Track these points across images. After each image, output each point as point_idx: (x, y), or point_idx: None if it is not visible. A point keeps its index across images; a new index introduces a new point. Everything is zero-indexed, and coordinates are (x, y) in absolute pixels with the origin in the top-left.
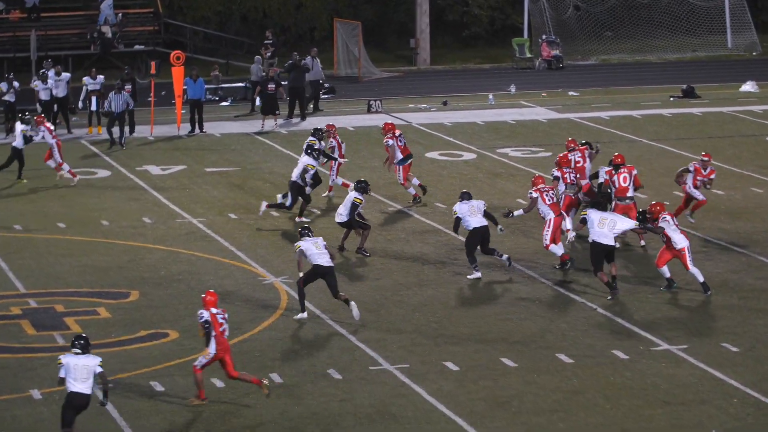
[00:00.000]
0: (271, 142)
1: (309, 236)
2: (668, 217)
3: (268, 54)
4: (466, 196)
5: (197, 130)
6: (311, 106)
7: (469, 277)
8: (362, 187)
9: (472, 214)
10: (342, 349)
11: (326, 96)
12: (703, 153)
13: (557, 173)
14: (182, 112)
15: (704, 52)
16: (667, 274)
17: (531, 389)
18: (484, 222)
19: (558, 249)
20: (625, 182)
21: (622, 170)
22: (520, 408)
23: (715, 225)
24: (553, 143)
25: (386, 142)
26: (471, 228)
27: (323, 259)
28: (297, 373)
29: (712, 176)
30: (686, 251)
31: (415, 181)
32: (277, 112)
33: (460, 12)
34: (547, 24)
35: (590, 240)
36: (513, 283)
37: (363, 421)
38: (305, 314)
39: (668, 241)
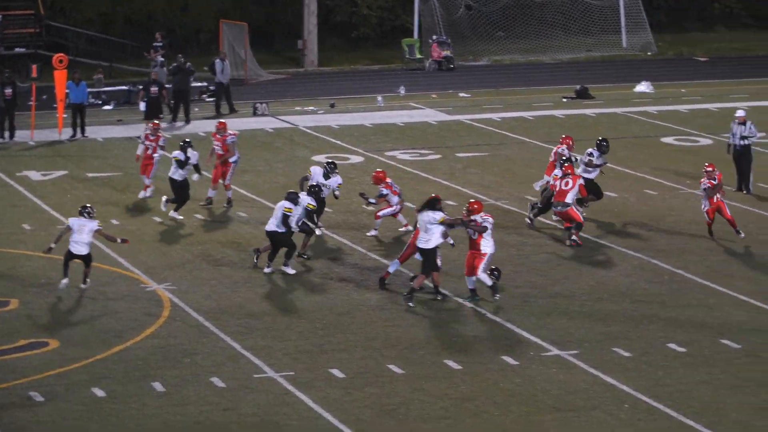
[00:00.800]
0: None
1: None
2: (491, 220)
3: (158, 57)
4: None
5: (79, 135)
6: (227, 106)
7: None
8: (315, 192)
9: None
10: (226, 356)
11: (211, 99)
12: (707, 164)
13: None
14: (64, 116)
15: (599, 52)
16: (471, 286)
17: (418, 396)
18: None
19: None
20: (566, 186)
21: (568, 178)
22: (407, 415)
23: (609, 228)
24: (443, 146)
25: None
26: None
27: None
28: (180, 381)
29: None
30: (486, 258)
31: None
32: (160, 115)
33: (349, 13)
34: (438, 24)
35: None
36: (401, 290)
37: (247, 431)
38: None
39: (475, 245)
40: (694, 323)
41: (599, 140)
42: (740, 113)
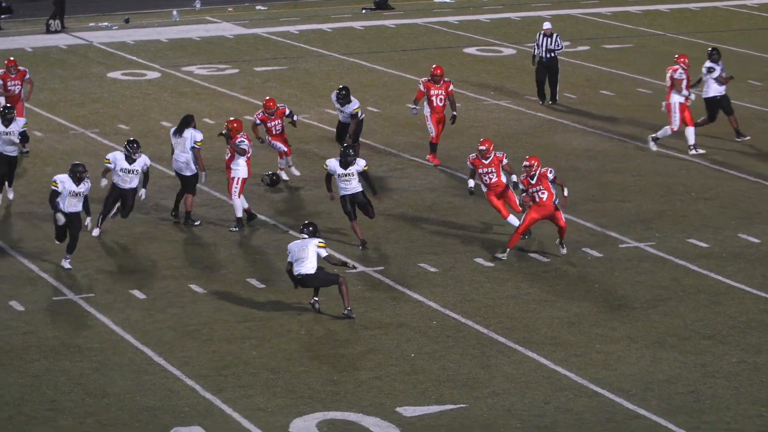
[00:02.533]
0: None
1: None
2: (246, 143)
3: None
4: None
5: None
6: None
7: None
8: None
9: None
10: (24, 279)
11: (4, 16)
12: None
13: None
14: None
15: None
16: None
17: (221, 316)
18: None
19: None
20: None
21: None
22: (210, 336)
23: (410, 141)
24: (241, 60)
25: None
26: None
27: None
28: None
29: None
30: (237, 182)
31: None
32: None
33: None
34: None
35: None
36: (207, 208)
37: (48, 355)
38: None
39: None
40: (502, 241)
41: (710, 50)
42: (547, 25)
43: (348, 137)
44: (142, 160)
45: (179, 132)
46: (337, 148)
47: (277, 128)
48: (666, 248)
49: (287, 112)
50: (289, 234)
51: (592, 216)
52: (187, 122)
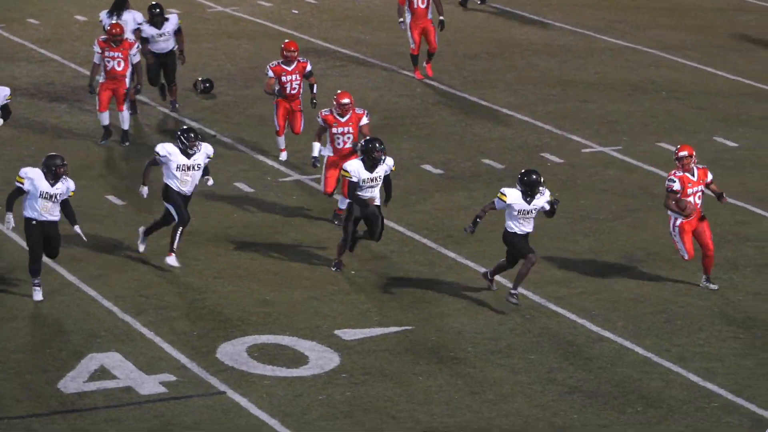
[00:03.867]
0: None
1: None
2: None
3: None
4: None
5: None
6: None
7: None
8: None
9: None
10: None
11: None
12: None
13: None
14: None
15: None
16: None
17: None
18: None
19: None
20: None
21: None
22: (129, 252)
23: (351, 36)
24: None
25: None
26: None
27: None
28: None
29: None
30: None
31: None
32: None
33: None
34: None
35: None
36: None
37: None
38: None
39: None
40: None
41: None
42: None
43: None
44: (204, 151)
45: (116, 13)
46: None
47: (294, 87)
48: (634, 153)
49: (308, 68)
50: (216, 138)
51: (551, 117)
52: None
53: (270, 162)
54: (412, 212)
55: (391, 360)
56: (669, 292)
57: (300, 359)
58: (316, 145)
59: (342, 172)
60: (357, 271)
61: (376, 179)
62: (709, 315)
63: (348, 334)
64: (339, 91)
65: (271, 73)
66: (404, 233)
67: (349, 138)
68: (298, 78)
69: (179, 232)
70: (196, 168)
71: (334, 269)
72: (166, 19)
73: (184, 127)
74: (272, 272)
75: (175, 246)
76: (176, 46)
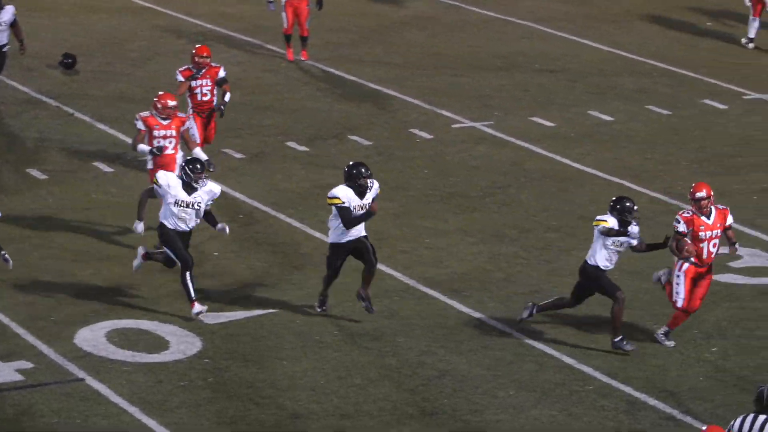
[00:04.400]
0: None
1: None
2: None
3: None
4: None
5: None
6: None
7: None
8: None
9: None
10: None
11: None
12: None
13: None
14: None
15: None
16: None
17: None
18: None
19: None
20: None
21: None
22: None
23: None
24: None
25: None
26: None
27: None
28: None
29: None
30: None
31: None
32: None
33: None
34: None
35: None
36: None
37: None
38: None
39: None
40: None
41: None
42: None
43: None
44: (210, 189)
45: None
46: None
47: (205, 93)
48: (505, 128)
49: (221, 74)
50: (74, 116)
51: (421, 92)
52: None
53: (129, 139)
54: (277, 191)
55: (254, 344)
56: (543, 271)
57: (161, 344)
58: (142, 147)
59: (330, 201)
60: (220, 253)
61: (366, 206)
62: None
63: (210, 317)
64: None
65: (180, 77)
66: (269, 212)
67: (171, 141)
68: (210, 84)
69: (188, 278)
70: (195, 206)
71: (319, 309)
72: (1, 8)
73: (189, 157)
74: (133, 255)
75: (192, 294)
76: (7, 45)
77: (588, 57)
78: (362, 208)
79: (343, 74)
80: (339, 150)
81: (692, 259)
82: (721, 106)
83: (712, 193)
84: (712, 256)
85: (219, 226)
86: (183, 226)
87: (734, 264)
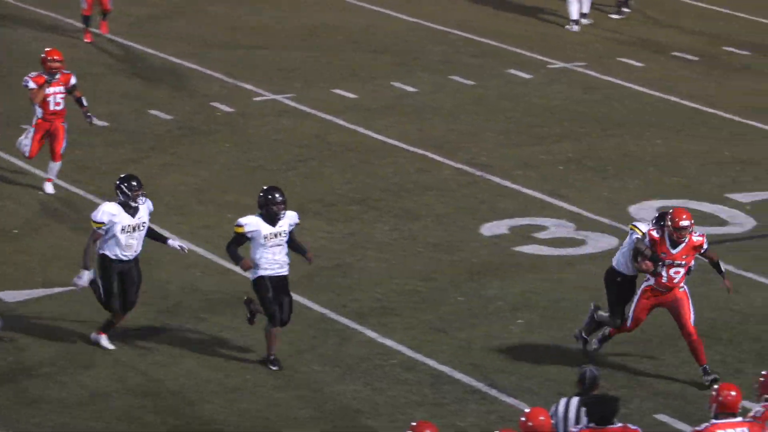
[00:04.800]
0: None
1: None
2: None
3: None
4: None
5: None
6: None
7: None
8: None
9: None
10: None
11: None
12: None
13: None
14: None
15: None
16: None
17: None
18: None
19: None
20: None
21: None
22: None
23: None
24: None
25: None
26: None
27: None
28: None
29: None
30: None
31: None
32: None
33: None
34: None
35: None
36: None
37: None
38: None
39: None
40: None
41: None
42: None
43: None
44: (147, 206)
45: None
46: None
47: (57, 102)
48: (308, 100)
49: (73, 81)
50: None
51: (221, 65)
52: None
53: None
54: (77, 169)
55: (55, 322)
56: (346, 244)
57: None
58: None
59: (235, 228)
60: (19, 229)
61: (280, 234)
62: (387, 268)
63: (10, 295)
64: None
65: (32, 84)
66: (69, 189)
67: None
68: (63, 92)
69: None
70: (141, 228)
71: (274, 368)
72: None
73: (123, 175)
74: None
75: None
76: None
77: (391, 27)
78: (275, 236)
79: (143, 47)
80: (139, 125)
81: (650, 278)
82: (526, 76)
83: (692, 221)
84: (674, 282)
85: (172, 243)
86: (127, 254)
87: (540, 235)
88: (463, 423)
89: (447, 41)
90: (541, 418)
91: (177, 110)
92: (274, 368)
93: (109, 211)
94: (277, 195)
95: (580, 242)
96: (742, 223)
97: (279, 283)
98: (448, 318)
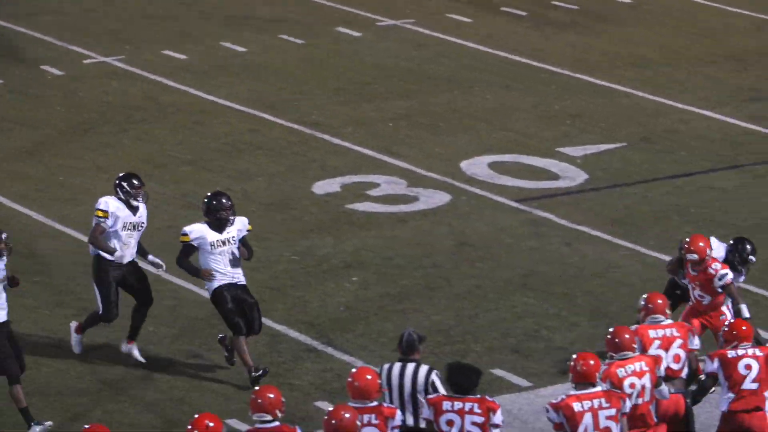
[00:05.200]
0: None
1: None
2: None
3: None
4: None
5: None
6: None
7: None
8: None
9: None
10: None
11: None
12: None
13: None
14: None
15: None
16: None
17: None
18: None
19: None
20: None
21: None
22: None
23: None
24: None
25: None
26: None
27: None
28: None
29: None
30: None
31: None
32: None
33: None
34: None
35: None
36: None
37: None
38: None
39: None
40: None
41: None
42: None
43: None
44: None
45: None
46: None
47: None
48: (138, 62)
49: None
50: None
51: (50, 27)
52: None
53: None
54: None
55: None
56: (177, 206)
57: None
58: None
59: (181, 237)
60: None
61: (228, 241)
62: None
63: None
64: None
65: None
66: None
67: None
68: None
69: (95, 321)
70: (140, 227)
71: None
72: None
73: (122, 173)
74: None
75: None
76: None
77: None
78: (223, 244)
79: None
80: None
81: None
82: (355, 34)
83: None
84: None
85: (152, 258)
86: (126, 255)
87: (372, 192)
88: (300, 381)
89: (276, 1)
90: (368, 377)
91: (7, 74)
92: (258, 374)
93: (113, 203)
94: (223, 200)
95: (413, 199)
96: (573, 176)
97: (239, 290)
98: (282, 277)
